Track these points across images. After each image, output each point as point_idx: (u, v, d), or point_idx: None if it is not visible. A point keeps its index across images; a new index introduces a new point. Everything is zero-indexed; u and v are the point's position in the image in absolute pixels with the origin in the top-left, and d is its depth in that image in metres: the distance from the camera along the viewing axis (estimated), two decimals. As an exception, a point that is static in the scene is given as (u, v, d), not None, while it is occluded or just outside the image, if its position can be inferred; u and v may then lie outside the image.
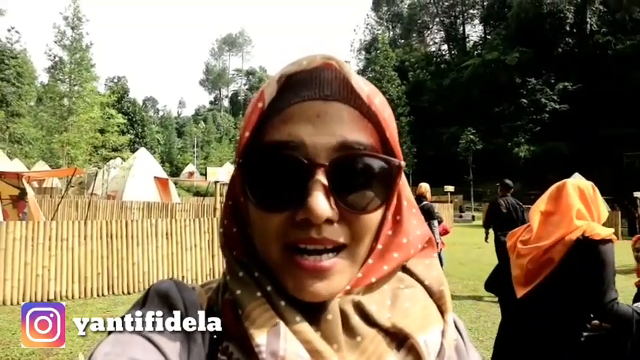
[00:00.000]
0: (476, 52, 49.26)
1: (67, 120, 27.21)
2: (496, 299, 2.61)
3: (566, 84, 38.12)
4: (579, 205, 2.04)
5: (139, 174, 18.36)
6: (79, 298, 6.90)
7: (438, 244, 7.95)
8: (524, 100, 38.95)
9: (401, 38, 69.92)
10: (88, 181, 23.33)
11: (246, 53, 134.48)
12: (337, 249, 0.48)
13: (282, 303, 0.48)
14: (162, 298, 0.51)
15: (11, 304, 6.42)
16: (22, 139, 33.59)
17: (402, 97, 44.49)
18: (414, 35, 67.31)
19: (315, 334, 0.47)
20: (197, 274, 8.08)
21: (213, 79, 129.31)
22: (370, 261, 0.52)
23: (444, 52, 62.50)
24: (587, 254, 1.93)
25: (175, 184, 29.42)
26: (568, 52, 40.96)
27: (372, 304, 0.51)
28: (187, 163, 72.77)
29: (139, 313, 0.49)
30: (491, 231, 7.90)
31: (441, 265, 10.30)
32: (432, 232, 5.39)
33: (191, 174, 60.57)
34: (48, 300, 6.65)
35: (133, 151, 28.74)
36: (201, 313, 0.50)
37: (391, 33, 69.39)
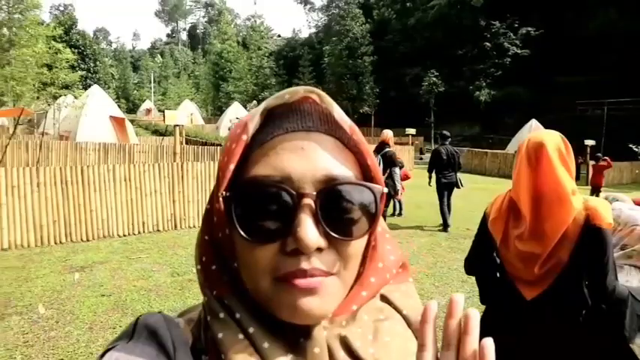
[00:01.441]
0: (443, -9, 48.25)
1: (9, 53, 25.27)
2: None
3: (529, 29, 38.17)
4: (566, 177, 1.88)
5: (92, 113, 17.53)
6: (35, 246, 6.72)
7: (398, 190, 8.14)
8: (488, 44, 38.89)
9: (366, -27, 67.50)
10: (37, 119, 22.12)
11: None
12: (327, 275, 0.48)
13: (266, 345, 0.48)
14: (150, 333, 0.49)
15: (-38, 254, 6.19)
16: (-39, 72, 31.17)
17: (366, 35, 43.66)
18: (381, -30, 65.02)
19: None
20: (158, 219, 7.99)
21: (170, 10, 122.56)
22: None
23: (410, -10, 60.97)
24: (595, 243, 1.82)
25: (132, 122, 28.39)
26: (532, -5, 40.76)
27: (356, 339, 0.51)
28: (144, 100, 70.16)
29: (127, 348, 0.47)
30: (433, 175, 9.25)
31: (400, 210, 10.55)
32: (393, 179, 5.38)
33: (149, 111, 58.53)
34: (2, 250, 6.45)
35: (86, 87, 27.32)
36: (189, 353, 0.50)
37: (357, -33, 66.73)
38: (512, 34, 38.72)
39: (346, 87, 42.24)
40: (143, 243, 7.19)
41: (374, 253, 0.56)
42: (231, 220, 0.48)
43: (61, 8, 76.73)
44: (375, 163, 0.54)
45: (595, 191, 13.66)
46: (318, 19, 69.47)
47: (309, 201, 0.46)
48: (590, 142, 19.26)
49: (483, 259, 2.14)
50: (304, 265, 0.46)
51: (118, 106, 24.04)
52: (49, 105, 21.96)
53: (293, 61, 58.35)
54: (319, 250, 0.47)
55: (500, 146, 26.29)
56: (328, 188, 0.47)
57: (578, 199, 1.86)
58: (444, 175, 9.04)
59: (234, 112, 34.27)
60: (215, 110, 63.64)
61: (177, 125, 9.43)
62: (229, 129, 31.08)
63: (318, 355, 0.48)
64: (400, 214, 10.34)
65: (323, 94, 0.53)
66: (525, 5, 39.01)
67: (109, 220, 7.42)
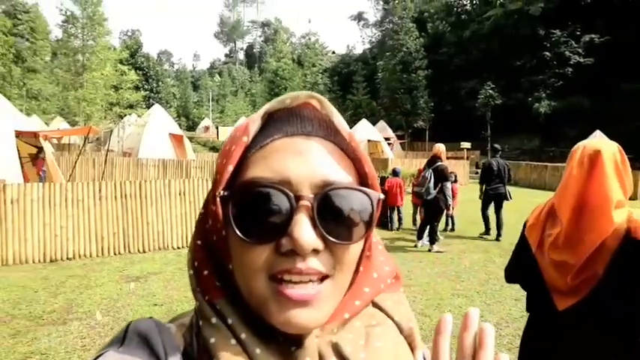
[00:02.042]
0: (498, 2, 47.14)
1: (82, 76, 27.23)
2: (507, 262, 2.35)
3: (593, 36, 36.47)
4: (616, 188, 1.80)
5: (154, 130, 18.48)
6: (97, 256, 7.14)
7: (449, 205, 7.99)
8: (547, 53, 37.47)
9: (420, -13, 67.26)
10: (104, 137, 23.59)
11: (261, 4, 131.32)
12: (322, 279, 0.49)
13: (257, 350, 0.48)
14: (142, 339, 0.50)
15: (33, 262, 6.68)
16: (39, 95, 33.81)
17: (420, 49, 43.31)
18: (434, -16, 64.58)
19: None
20: (211, 233, 8.25)
21: (228, 32, 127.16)
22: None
23: (465, 2, 60.00)
24: (634, 257, 1.73)
25: (191, 139, 29.60)
26: (595, 2, 38.97)
27: (347, 345, 0.52)
28: (203, 117, 72.85)
29: (117, 354, 0.48)
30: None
31: (453, 225, 10.36)
32: (445, 194, 5.30)
33: (207, 128, 60.74)
34: (67, 259, 6.89)
35: (149, 106, 28.83)
36: (180, 358, 0.50)
37: (410, -18, 66.67)
38: (573, 42, 37.13)
39: (400, 101, 41.93)
40: (196, 255, 7.45)
41: (368, 262, 0.57)
42: (227, 220, 0.48)
43: (129, 33, 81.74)
44: (373, 171, 0.54)
45: None
46: (372, 34, 69.81)
47: (306, 203, 0.47)
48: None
49: (523, 267, 2.08)
50: (300, 264, 0.46)
51: (179, 124, 25.20)
52: (114, 123, 23.39)
53: (347, 77, 58.78)
54: (315, 252, 0.47)
55: (562, 160, 25.12)
56: (326, 192, 0.48)
57: (623, 212, 1.78)
58: (492, 187, 9.23)
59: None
60: (271, 127, 65.01)
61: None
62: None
63: None
64: (453, 229, 10.17)
65: (323, 99, 0.54)
66: (588, 12, 37.39)
67: (164, 233, 7.77)
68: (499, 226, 9.18)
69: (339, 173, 0.50)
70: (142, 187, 7.59)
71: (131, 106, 27.34)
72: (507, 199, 9.17)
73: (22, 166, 10.55)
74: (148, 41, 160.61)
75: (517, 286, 2.23)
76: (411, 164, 18.94)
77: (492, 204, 9.29)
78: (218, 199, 0.49)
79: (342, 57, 75.67)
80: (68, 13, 29.19)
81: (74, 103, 26.80)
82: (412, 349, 0.58)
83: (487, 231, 9.40)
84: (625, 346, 1.80)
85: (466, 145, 21.48)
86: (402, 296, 0.61)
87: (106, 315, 4.82)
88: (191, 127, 72.40)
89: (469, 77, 43.20)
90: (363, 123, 30.84)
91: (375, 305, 0.58)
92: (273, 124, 0.52)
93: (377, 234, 0.59)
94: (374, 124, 32.44)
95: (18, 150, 10.53)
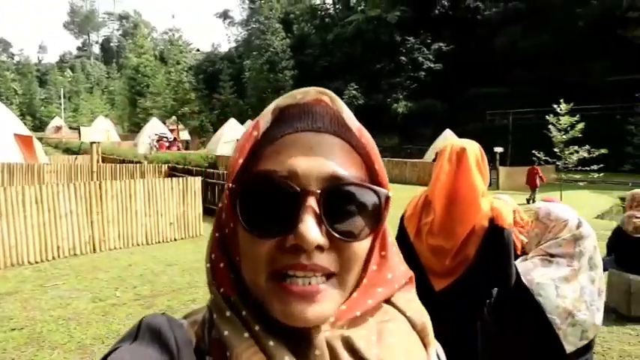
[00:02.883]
0: (359, 8, 49.97)
1: None
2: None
3: (441, 44, 40.60)
4: (479, 181, 2.12)
5: (-6, 131, 16.15)
6: None
7: None
8: (404, 58, 40.86)
9: (285, -12, 68.53)
10: None
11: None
12: (326, 276, 0.48)
13: (271, 343, 0.48)
14: (154, 334, 0.50)
15: None
16: None
17: (287, 50, 44.19)
18: (299, -14, 66.28)
19: None
20: (74, 243, 7.48)
21: (80, 22, 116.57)
22: (355, 295, 0.53)
23: (328, 6, 62.50)
24: (498, 242, 2.06)
25: (40, 139, 26.54)
26: (443, 14, 43.36)
27: (359, 339, 0.51)
28: (53, 116, 65.89)
29: (130, 349, 0.48)
30: None
31: None
32: None
33: (58, 128, 55.02)
34: None
35: (-15, 103, 25.18)
36: (192, 353, 0.50)
37: (275, -18, 67.55)
38: (425, 49, 40.98)
39: (268, 101, 42.18)
40: (58, 269, 6.68)
41: (384, 262, 0.56)
42: (234, 213, 0.48)
43: (-45, 18, 70.52)
44: (383, 168, 0.55)
45: (533, 191, 15.57)
46: (238, 33, 69.39)
47: (312, 198, 0.46)
48: (498, 150, 20.79)
49: (403, 254, 2.25)
50: (304, 260, 0.46)
51: (24, 123, 22.41)
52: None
53: (213, 75, 57.56)
54: (321, 249, 0.47)
55: (419, 156, 27.53)
56: (333, 187, 0.47)
57: (486, 202, 2.10)
58: None
59: (153, 127, 33.13)
60: (132, 127, 60.98)
61: (94, 142, 8.98)
62: (149, 144, 29.96)
63: (319, 357, 0.48)
64: None
65: (334, 95, 0.55)
66: (437, 23, 41.53)
67: (18, 247, 6.82)
68: None
69: (348, 169, 0.50)
70: (-13, 196, 6.58)
71: (-38, 103, 23.66)
72: None
73: None
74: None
75: None
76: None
77: None
78: (227, 191, 0.50)
79: (208, 55, 73.97)
80: None
81: None
82: (425, 345, 0.58)
83: None
84: (492, 321, 2.13)
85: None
86: (414, 296, 0.61)
87: (-50, 348, 4.10)
88: (38, 126, 64.94)
89: (334, 78, 45.16)
90: (231, 122, 30.55)
91: (388, 302, 0.58)
92: (285, 119, 0.52)
93: (391, 234, 0.58)
94: (242, 123, 32.37)
95: None
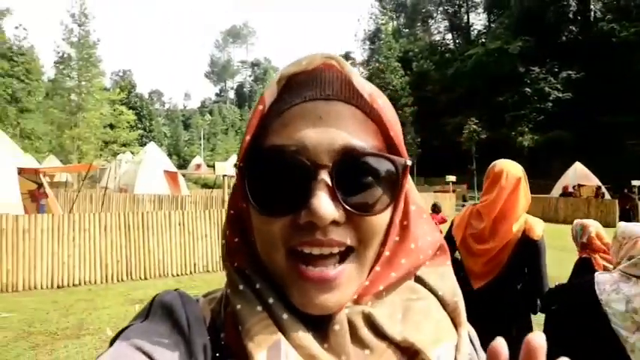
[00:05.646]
0: (480, 41, 49.24)
1: (77, 115, 27.91)
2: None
3: (570, 72, 38.24)
4: (522, 198, 2.51)
5: (149, 168, 18.98)
6: (101, 283, 7.52)
7: None
8: (528, 89, 39.17)
9: (405, 27, 69.91)
10: (99, 175, 24.02)
11: (251, 44, 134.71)
12: (344, 255, 0.46)
13: (285, 316, 0.46)
14: (165, 311, 0.49)
15: (41, 288, 7.06)
16: (32, 134, 34.27)
17: (406, 87, 44.87)
18: (419, 24, 67.27)
19: (320, 349, 0.45)
20: (208, 261, 8.68)
21: (219, 71, 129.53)
22: (377, 268, 0.51)
23: (448, 42, 62.53)
24: (528, 250, 2.45)
25: (183, 175, 30.09)
26: (572, 40, 41.00)
27: (382, 316, 0.49)
28: (194, 156, 73.27)
29: (141, 326, 0.48)
30: None
31: None
32: None
33: (198, 166, 61.00)
34: (73, 285, 7.28)
35: (142, 144, 29.42)
36: (204, 330, 0.49)
37: (395, 22, 69.30)
38: (552, 79, 38.88)
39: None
40: (195, 281, 7.86)
41: (406, 233, 0.53)
42: (244, 192, 0.46)
43: (120, 74, 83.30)
44: (399, 134, 0.51)
45: None
46: (360, 73, 71.75)
47: (324, 172, 0.44)
48: (638, 183, 18.87)
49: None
50: (319, 236, 0.44)
51: (171, 162, 25.75)
52: (107, 161, 23.90)
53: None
54: (336, 224, 0.45)
55: (546, 191, 25.90)
56: (345, 159, 0.45)
57: (523, 217, 2.52)
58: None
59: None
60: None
61: (226, 175, 10.32)
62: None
63: (338, 332, 0.46)
64: None
65: (342, 60, 0.50)
66: (565, 49, 39.24)
67: (164, 261, 8.19)
68: None
69: (361, 139, 0.47)
70: (144, 218, 8.06)
71: (125, 145, 27.94)
72: None
73: (22, 202, 10.97)
74: (139, 80, 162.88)
75: None
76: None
77: None
78: (236, 170, 0.48)
79: (331, 95, 77.00)
80: (65, 55, 30.12)
81: (69, 142, 27.36)
82: (456, 326, 0.55)
83: None
84: (521, 316, 2.51)
85: (451, 178, 22.18)
86: (448, 270, 0.59)
87: (115, 331, 5.21)
88: (182, 165, 72.66)
89: (454, 113, 44.62)
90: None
91: (418, 280, 0.56)
92: (292, 89, 0.49)
93: (420, 200, 0.57)
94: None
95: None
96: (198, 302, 0.53)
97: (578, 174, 22.28)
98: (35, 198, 12.73)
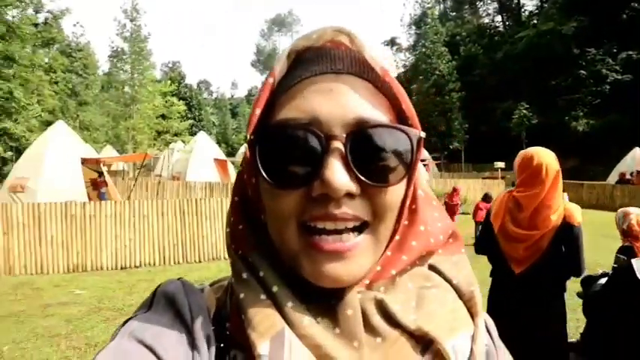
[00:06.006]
0: (532, 23, 47.27)
1: (131, 107, 29.21)
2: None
3: (630, 52, 36.19)
4: (560, 186, 2.64)
5: (199, 156, 19.77)
6: (159, 265, 8.07)
7: None
8: (583, 72, 37.35)
9: (452, 11, 68.05)
10: (153, 163, 25.16)
11: (296, 33, 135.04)
12: (359, 229, 0.45)
13: (290, 304, 0.45)
14: (168, 301, 0.49)
15: (107, 269, 7.68)
16: (90, 126, 36.07)
17: (453, 72, 43.80)
18: (466, 7, 65.26)
19: (326, 338, 0.44)
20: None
21: (264, 60, 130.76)
22: (388, 253, 0.50)
23: (497, 24, 60.31)
24: (568, 236, 2.56)
25: (232, 163, 30.98)
26: (633, 18, 38.70)
27: (395, 303, 0.48)
28: (242, 143, 75.01)
29: (144, 318, 0.47)
30: None
31: None
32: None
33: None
34: (135, 267, 7.85)
35: (192, 134, 30.41)
36: (208, 320, 0.48)
37: (442, 6, 67.61)
38: (610, 60, 36.91)
39: (435, 123, 42.33)
40: (245, 265, 8.27)
41: (414, 216, 0.53)
42: (255, 166, 0.45)
43: (170, 65, 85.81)
44: (411, 107, 0.50)
45: None
46: (405, 58, 70.64)
47: (338, 144, 0.43)
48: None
49: (488, 243, 2.89)
50: (333, 209, 0.43)
51: (220, 150, 26.57)
52: (160, 150, 24.94)
53: (381, 100, 59.58)
54: (351, 196, 0.43)
55: (602, 177, 24.86)
56: (359, 131, 0.44)
57: (561, 204, 2.65)
58: None
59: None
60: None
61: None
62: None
63: (350, 317, 0.45)
64: None
65: (354, 34, 0.49)
66: (626, 28, 37.16)
67: (217, 245, 8.64)
68: None
69: (374, 111, 0.46)
70: (197, 205, 8.53)
71: (177, 134, 29.00)
72: None
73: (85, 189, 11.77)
74: (188, 71, 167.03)
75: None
76: (445, 184, 19.40)
77: None
78: (246, 143, 0.47)
79: (376, 82, 76.29)
80: (119, 49, 31.48)
81: (124, 132, 28.72)
82: (472, 315, 0.53)
83: None
84: (557, 298, 2.65)
85: (500, 164, 21.74)
86: (463, 258, 0.57)
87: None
88: (231, 152, 74.42)
89: (503, 98, 43.24)
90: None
91: (432, 268, 0.55)
92: (302, 64, 0.48)
93: (428, 189, 0.57)
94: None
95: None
96: (202, 292, 0.52)
97: (637, 160, 21.25)
98: (96, 186, 13.58)
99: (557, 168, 2.65)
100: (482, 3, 63.63)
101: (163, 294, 0.50)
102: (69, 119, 34.59)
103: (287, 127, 0.44)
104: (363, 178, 0.43)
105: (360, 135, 0.44)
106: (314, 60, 0.47)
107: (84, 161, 12.24)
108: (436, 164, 36.43)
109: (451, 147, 42.34)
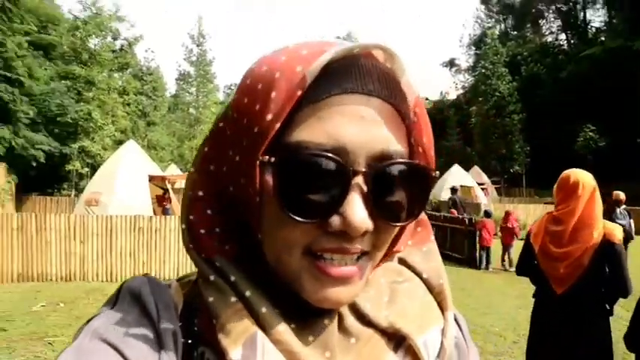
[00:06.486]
0: (599, 40, 45.42)
1: (195, 128, 30.74)
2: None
3: None
4: (598, 205, 2.73)
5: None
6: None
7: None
8: (657, 91, 35.37)
9: (513, 30, 66.58)
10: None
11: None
12: (358, 256, 0.44)
13: (263, 309, 0.43)
14: (133, 297, 0.47)
15: (170, 279, 8.20)
16: (157, 145, 38.08)
17: (514, 93, 42.67)
18: (528, 26, 63.70)
19: (300, 345, 0.43)
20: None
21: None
22: None
23: (561, 42, 58.39)
24: (609, 254, 2.63)
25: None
26: None
27: (366, 301, 0.48)
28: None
29: (108, 315, 0.46)
30: None
31: (487, 262, 11.11)
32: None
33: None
34: (195, 278, 8.35)
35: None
36: (174, 316, 0.46)
37: (502, 25, 66.31)
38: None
39: (495, 146, 41.27)
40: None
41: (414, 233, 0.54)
42: (267, 189, 0.41)
43: (232, 87, 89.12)
44: (432, 139, 0.49)
45: None
46: (465, 80, 69.63)
47: (360, 178, 0.41)
48: None
49: (529, 265, 3.00)
50: (346, 244, 0.42)
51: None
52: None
53: (441, 123, 58.90)
54: (364, 232, 0.42)
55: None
56: (384, 167, 0.42)
57: (600, 223, 2.71)
58: None
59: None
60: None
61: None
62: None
63: (327, 326, 0.45)
64: (487, 266, 11.14)
65: (394, 53, 0.45)
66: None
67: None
68: None
69: (397, 145, 0.43)
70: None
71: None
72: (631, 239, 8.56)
73: (151, 205, 12.56)
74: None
75: None
76: (503, 209, 18.89)
77: None
78: (258, 162, 0.41)
79: (435, 103, 75.80)
80: (185, 73, 33.34)
81: (188, 152, 30.22)
82: (442, 309, 0.54)
83: None
84: (602, 318, 2.67)
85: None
86: (432, 248, 0.57)
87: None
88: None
89: (567, 119, 41.59)
90: (455, 168, 30.83)
91: (402, 262, 0.55)
92: (329, 75, 0.42)
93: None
94: (467, 169, 32.27)
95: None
96: (169, 287, 0.51)
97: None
98: (160, 202, 14.41)
99: (593, 184, 2.73)
100: (545, 21, 61.94)
101: (129, 290, 0.48)
102: (138, 138, 36.73)
103: (311, 153, 0.40)
104: (382, 217, 0.42)
105: (383, 171, 0.42)
106: (344, 73, 0.42)
107: (151, 178, 13.09)
108: (495, 188, 35.40)
109: (512, 170, 41.03)
